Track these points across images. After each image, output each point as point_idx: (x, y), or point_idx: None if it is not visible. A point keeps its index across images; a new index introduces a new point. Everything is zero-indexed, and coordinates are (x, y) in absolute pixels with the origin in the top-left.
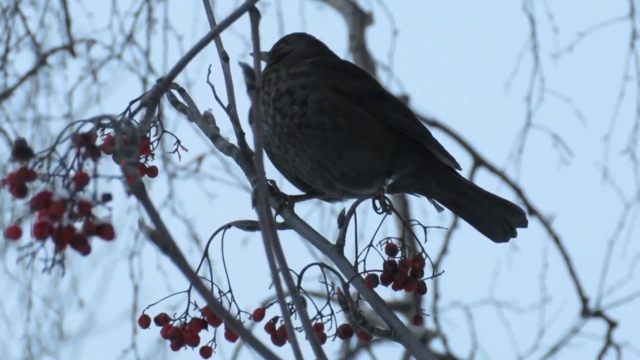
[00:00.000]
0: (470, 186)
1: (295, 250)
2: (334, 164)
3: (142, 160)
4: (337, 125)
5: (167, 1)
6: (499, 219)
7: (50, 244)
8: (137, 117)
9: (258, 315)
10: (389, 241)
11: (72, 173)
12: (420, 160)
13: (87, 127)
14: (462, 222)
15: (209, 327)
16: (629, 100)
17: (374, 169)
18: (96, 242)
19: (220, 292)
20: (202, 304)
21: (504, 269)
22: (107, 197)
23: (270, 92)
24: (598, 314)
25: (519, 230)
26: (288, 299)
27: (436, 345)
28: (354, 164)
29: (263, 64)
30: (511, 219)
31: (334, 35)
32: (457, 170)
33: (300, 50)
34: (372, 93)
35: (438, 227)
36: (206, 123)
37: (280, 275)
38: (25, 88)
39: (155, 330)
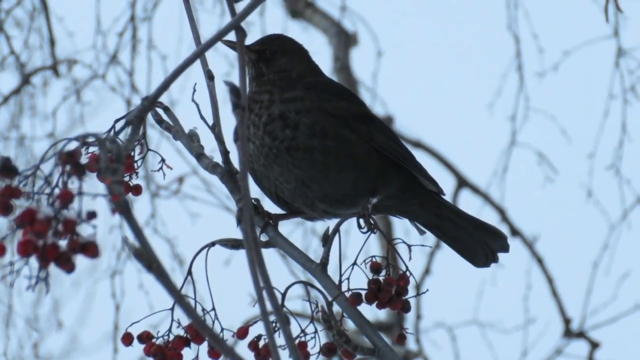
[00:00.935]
0: (453, 210)
1: (278, 269)
2: (318, 185)
3: (127, 179)
4: (325, 148)
5: (151, 21)
6: (481, 243)
7: (34, 261)
8: (122, 136)
9: (241, 333)
10: (374, 260)
11: (56, 191)
12: (403, 183)
13: (72, 146)
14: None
15: (192, 345)
16: (613, 119)
17: (358, 190)
18: (79, 262)
19: (203, 310)
20: (185, 321)
21: (487, 289)
22: (92, 215)
23: (261, 114)
24: (581, 334)
25: (500, 255)
26: (271, 317)
27: None
28: (338, 185)
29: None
30: (493, 243)
31: (318, 56)
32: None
33: (297, 73)
34: (359, 115)
35: (422, 245)
36: (191, 142)
37: (264, 293)
38: (9, 108)
39: (137, 349)
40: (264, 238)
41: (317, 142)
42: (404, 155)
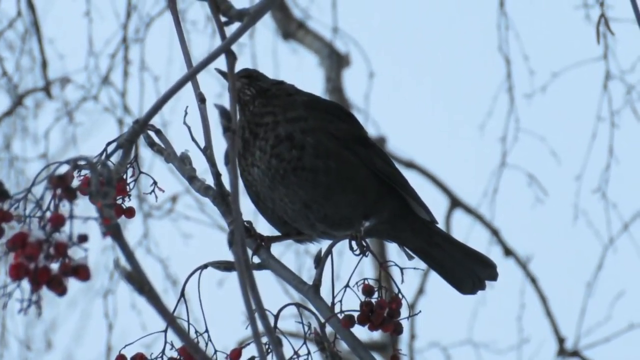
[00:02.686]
0: (444, 237)
1: (271, 290)
2: (319, 206)
3: (119, 201)
4: (328, 169)
5: (143, 42)
6: (468, 271)
7: (26, 284)
8: (114, 159)
9: (235, 355)
10: (366, 282)
11: (48, 214)
12: (397, 208)
13: (63, 169)
14: None
15: None
16: (601, 141)
17: (356, 213)
18: (74, 283)
19: (196, 332)
20: (178, 343)
21: (482, 309)
22: (83, 238)
23: (268, 137)
24: (575, 354)
25: (488, 283)
26: (264, 339)
27: None
28: (338, 207)
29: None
30: (482, 272)
31: (310, 77)
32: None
33: (290, 87)
34: (359, 138)
35: (415, 268)
36: (183, 164)
37: (257, 315)
38: (1, 129)
39: None
40: (256, 260)
41: (321, 163)
42: (400, 181)
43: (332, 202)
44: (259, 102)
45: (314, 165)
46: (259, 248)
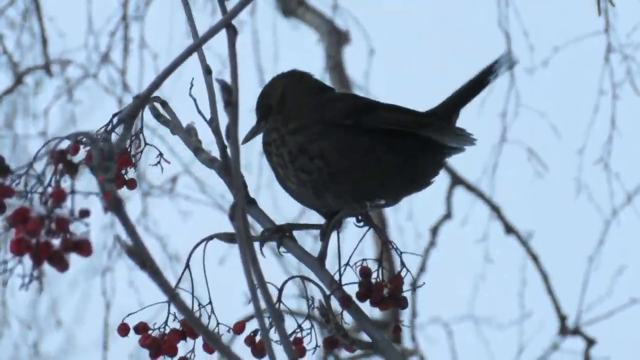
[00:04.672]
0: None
1: (273, 266)
2: (373, 195)
3: (123, 172)
4: (356, 163)
5: (143, 20)
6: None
7: (27, 260)
8: (115, 134)
9: (238, 328)
10: (365, 263)
11: (49, 190)
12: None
13: (64, 144)
14: (441, 241)
15: (188, 339)
16: (603, 114)
17: (405, 175)
18: (76, 263)
19: (200, 305)
20: (181, 316)
21: (482, 287)
22: (85, 213)
23: (281, 153)
24: (576, 331)
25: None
26: (267, 314)
27: None
28: (389, 186)
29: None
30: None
31: (310, 54)
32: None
33: (294, 104)
34: (359, 108)
35: (413, 253)
36: (189, 136)
37: (258, 290)
38: (2, 108)
39: (129, 345)
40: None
41: (347, 160)
42: (419, 121)
43: (383, 186)
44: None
45: (343, 166)
46: (284, 238)
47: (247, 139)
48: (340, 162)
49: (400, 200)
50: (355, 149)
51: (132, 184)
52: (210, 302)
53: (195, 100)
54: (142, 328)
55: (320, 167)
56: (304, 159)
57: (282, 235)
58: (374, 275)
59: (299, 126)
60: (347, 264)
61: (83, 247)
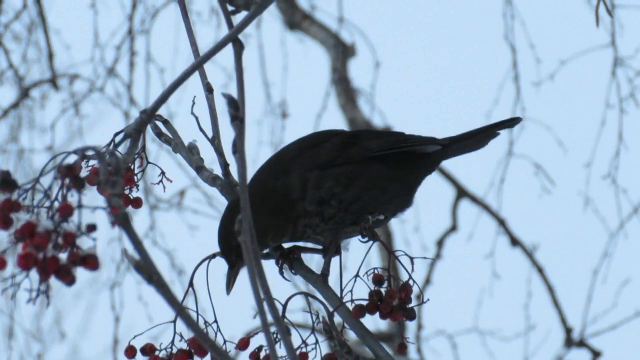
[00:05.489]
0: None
1: (279, 281)
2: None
3: (127, 192)
4: (362, 187)
5: (148, 34)
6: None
7: (34, 274)
8: (121, 149)
9: (243, 344)
10: (376, 271)
11: (56, 204)
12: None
13: (71, 159)
14: (446, 253)
15: (195, 358)
16: (610, 128)
17: (396, 206)
18: (80, 275)
19: (205, 322)
20: (187, 334)
21: (488, 300)
22: (92, 228)
23: (294, 230)
24: (581, 343)
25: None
26: (272, 329)
27: None
28: (395, 201)
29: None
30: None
31: (316, 67)
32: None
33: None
34: (344, 142)
35: (424, 257)
36: (190, 154)
37: (265, 305)
38: (8, 121)
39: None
40: (265, 251)
41: (351, 192)
42: (400, 139)
43: (384, 204)
44: None
45: (350, 196)
46: (292, 261)
47: (230, 287)
48: (348, 195)
49: (400, 213)
50: (356, 177)
51: (137, 203)
52: (215, 320)
53: (197, 118)
54: (149, 349)
55: (335, 206)
56: (316, 212)
57: (292, 258)
58: (384, 285)
59: (300, 184)
60: (357, 275)
61: (90, 261)
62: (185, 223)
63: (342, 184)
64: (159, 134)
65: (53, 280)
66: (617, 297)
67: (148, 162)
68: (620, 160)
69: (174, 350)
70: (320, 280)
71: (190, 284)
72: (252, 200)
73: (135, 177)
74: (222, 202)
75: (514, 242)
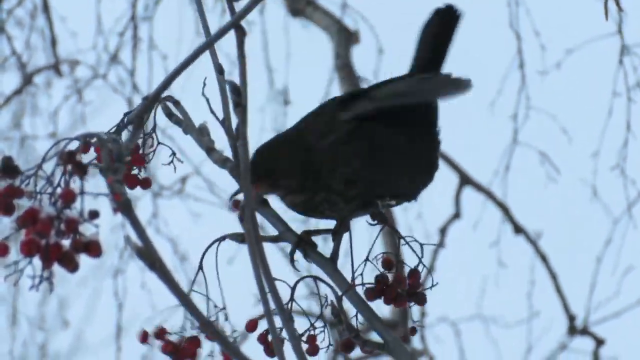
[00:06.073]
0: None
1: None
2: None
3: (136, 172)
4: (379, 156)
5: (152, 20)
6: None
7: (37, 261)
8: (124, 134)
9: (251, 326)
10: (386, 255)
11: (59, 190)
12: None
13: (73, 145)
14: (449, 241)
15: (206, 342)
16: (617, 117)
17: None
18: (84, 262)
19: (215, 306)
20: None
21: (491, 287)
22: (94, 214)
23: (311, 198)
24: (585, 331)
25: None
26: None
27: None
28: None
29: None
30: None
31: (319, 54)
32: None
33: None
34: (344, 98)
35: (432, 244)
36: (201, 135)
37: (267, 290)
38: (11, 108)
39: (142, 347)
40: (275, 232)
41: (373, 159)
42: (411, 86)
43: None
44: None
45: (369, 169)
46: (307, 245)
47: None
48: (365, 168)
49: (418, 195)
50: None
51: (146, 183)
52: (224, 307)
53: (207, 99)
54: (161, 333)
55: (355, 186)
56: (334, 197)
57: (305, 245)
58: (392, 270)
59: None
60: (367, 259)
61: (93, 248)
62: (188, 210)
63: (369, 166)
64: (169, 114)
65: (56, 268)
66: (620, 285)
67: (159, 143)
68: (628, 150)
69: (185, 334)
70: (329, 264)
71: (200, 268)
72: (302, 140)
73: (145, 158)
74: (224, 190)
75: (517, 229)
